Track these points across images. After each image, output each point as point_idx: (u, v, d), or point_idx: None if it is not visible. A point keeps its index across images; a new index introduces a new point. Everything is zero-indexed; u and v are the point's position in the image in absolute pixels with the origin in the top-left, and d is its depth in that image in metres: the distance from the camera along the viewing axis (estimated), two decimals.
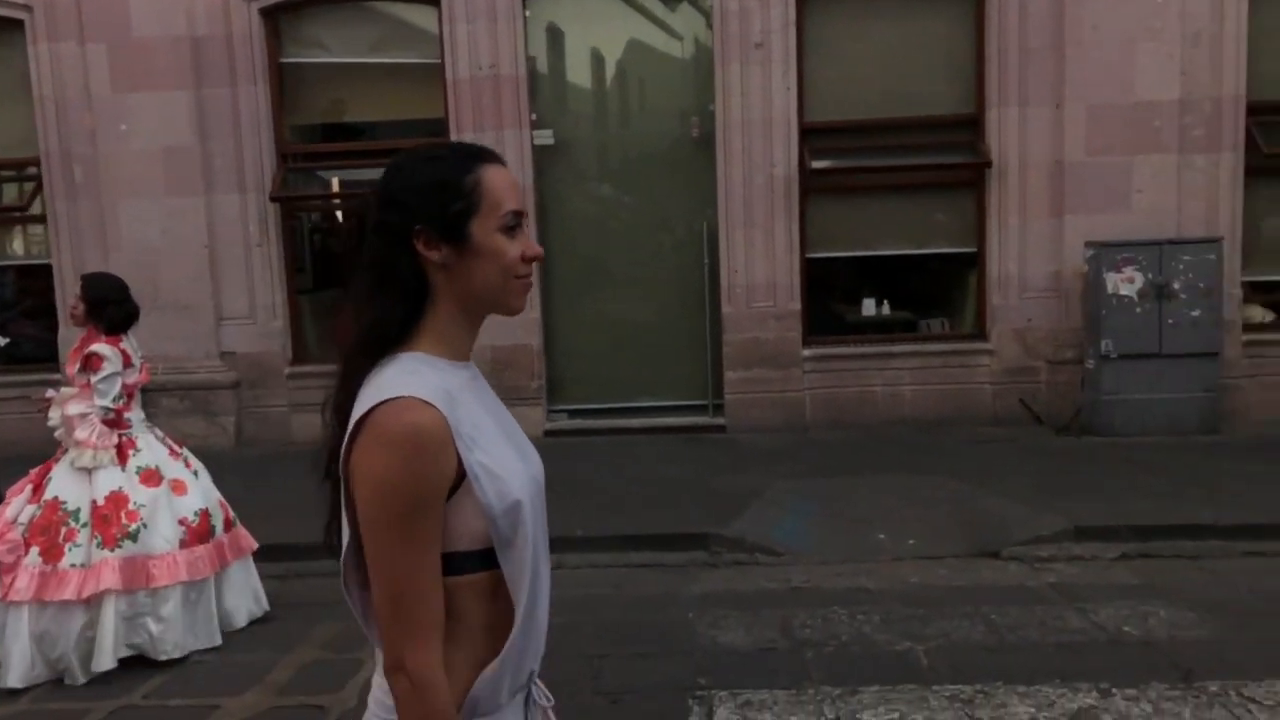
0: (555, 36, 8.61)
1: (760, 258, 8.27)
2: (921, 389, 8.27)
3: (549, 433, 8.25)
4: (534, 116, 8.37)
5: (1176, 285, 7.52)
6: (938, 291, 8.98)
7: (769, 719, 3.54)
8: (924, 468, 6.90)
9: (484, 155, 1.42)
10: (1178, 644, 4.08)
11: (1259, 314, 8.29)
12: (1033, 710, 3.50)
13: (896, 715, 3.50)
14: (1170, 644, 4.08)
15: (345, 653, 4.22)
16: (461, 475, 1.30)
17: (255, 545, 4.75)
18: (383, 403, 1.28)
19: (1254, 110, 7.93)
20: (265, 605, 4.74)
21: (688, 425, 8.33)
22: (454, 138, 8.25)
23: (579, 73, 8.79)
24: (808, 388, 8.29)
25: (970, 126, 8.28)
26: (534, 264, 1.44)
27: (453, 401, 1.32)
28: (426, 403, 1.28)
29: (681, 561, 5.35)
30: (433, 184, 1.38)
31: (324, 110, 9.09)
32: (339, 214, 9.31)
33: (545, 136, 8.41)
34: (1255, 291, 8.31)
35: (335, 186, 9.19)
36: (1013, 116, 8.06)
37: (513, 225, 1.40)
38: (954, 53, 8.29)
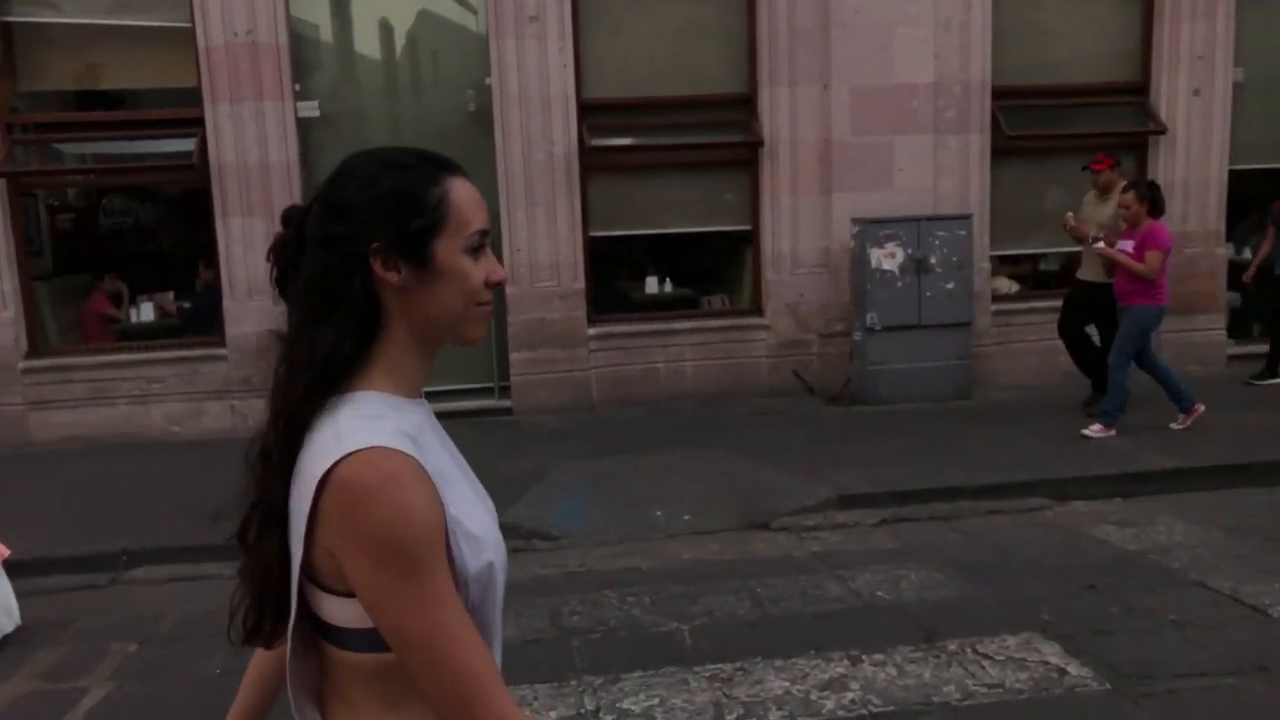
0: (321, 2, 8.12)
1: (543, 237, 8.16)
2: (703, 364, 8.43)
3: None
4: (298, 87, 7.88)
5: (933, 260, 7.97)
6: (717, 268, 9.17)
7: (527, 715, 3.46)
8: (704, 442, 7.02)
9: (451, 166, 1.25)
10: (925, 605, 4.30)
11: (1005, 285, 8.93)
12: (787, 684, 3.59)
13: (656, 700, 3.50)
14: (918, 606, 4.30)
15: (65, 682, 3.82)
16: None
17: (6, 552, 4.33)
18: (350, 454, 1.10)
19: (999, 94, 8.48)
20: (18, 619, 4.31)
21: (473, 409, 8.14)
22: (208, 108, 7.67)
23: (348, 41, 8.35)
24: (594, 367, 8.27)
25: (744, 106, 8.46)
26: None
27: (418, 447, 1.15)
28: (394, 450, 1.11)
29: None
30: (394, 195, 1.19)
31: (59, 77, 8.23)
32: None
33: (310, 109, 7.95)
34: (1002, 264, 8.94)
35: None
36: (783, 96, 8.28)
37: (478, 246, 1.23)
38: (728, 32, 8.42)
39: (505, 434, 7.52)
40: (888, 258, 7.97)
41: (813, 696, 3.50)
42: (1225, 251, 8.78)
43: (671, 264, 8.95)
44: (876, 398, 7.99)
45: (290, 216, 1.25)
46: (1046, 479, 5.93)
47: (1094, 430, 6.72)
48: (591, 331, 8.26)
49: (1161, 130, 8.57)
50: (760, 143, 8.31)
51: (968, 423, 7.29)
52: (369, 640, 1.15)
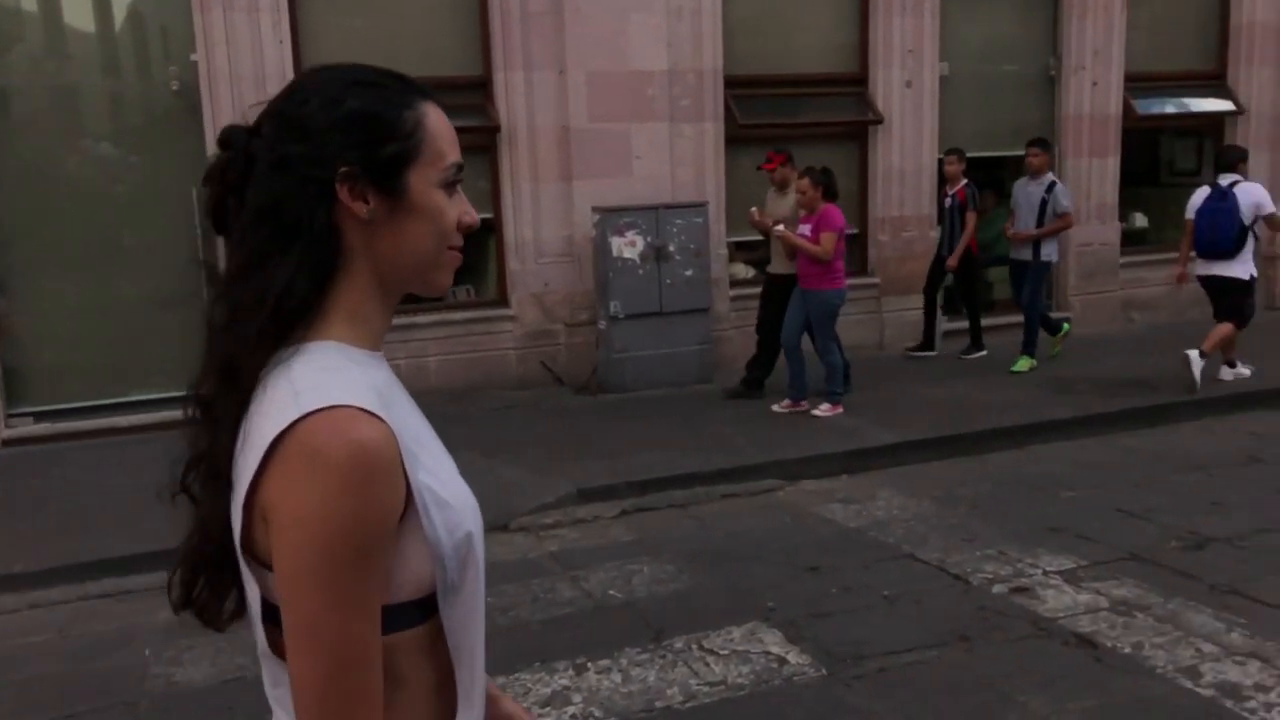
0: None
1: None
2: (447, 359, 8.10)
3: (7, 441, 6.91)
4: None
5: (672, 248, 8.03)
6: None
7: None
8: (447, 440, 6.66)
9: (422, 89, 1.08)
10: (655, 601, 4.25)
11: (742, 270, 9.16)
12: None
13: None
14: (649, 603, 4.23)
15: None
16: (405, 506, 0.97)
17: None
18: (311, 414, 0.93)
19: (731, 84, 8.65)
20: None
21: (176, 420, 7.40)
22: None
23: (34, 7, 7.33)
24: None
25: (480, 89, 8.16)
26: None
27: (386, 406, 0.98)
28: (369, 413, 0.95)
29: (150, 585, 4.63)
30: (363, 116, 1.03)
31: None
32: None
33: None
34: (739, 250, 9.16)
35: None
36: (519, 80, 8.07)
37: (453, 181, 1.08)
38: (460, 11, 8.10)
39: None
40: (628, 246, 7.95)
41: (533, 714, 3.33)
42: (937, 234, 9.39)
43: None
44: (622, 386, 7.98)
45: (230, 138, 1.06)
46: (778, 460, 6.08)
47: (823, 410, 6.99)
48: None
49: (879, 120, 9.04)
50: (497, 128, 8.06)
51: (708, 407, 7.40)
52: None
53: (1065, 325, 8.75)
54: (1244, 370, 7.66)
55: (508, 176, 8.18)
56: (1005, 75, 9.77)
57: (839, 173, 9.21)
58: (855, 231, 9.37)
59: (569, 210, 8.24)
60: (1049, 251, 8.22)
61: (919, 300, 9.09)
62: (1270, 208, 7.41)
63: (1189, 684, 3.33)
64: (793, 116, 9.13)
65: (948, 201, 8.55)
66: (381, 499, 0.94)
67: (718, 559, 4.73)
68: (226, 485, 1.02)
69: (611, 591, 4.36)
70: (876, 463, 6.20)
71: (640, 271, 7.97)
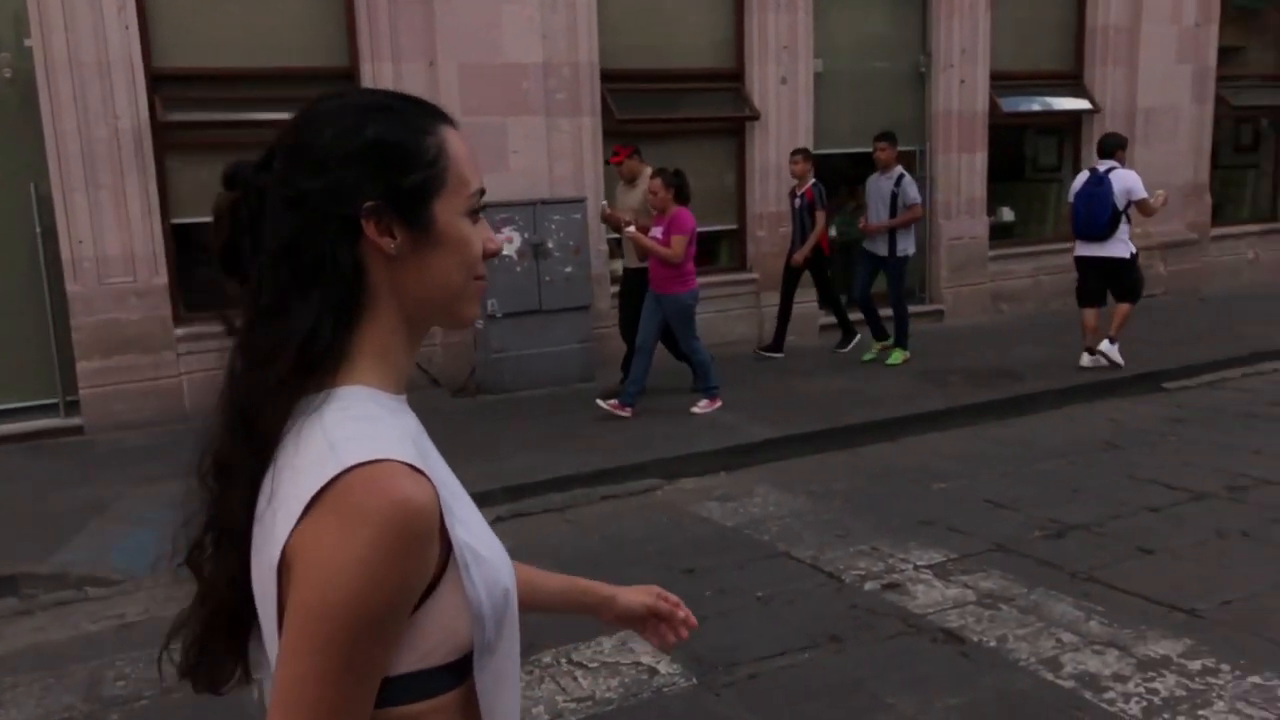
0: None
1: (111, 225, 7.07)
2: None
3: None
4: None
5: (550, 244, 7.87)
6: None
7: None
8: None
9: (440, 112, 1.03)
10: (527, 614, 4.09)
11: (619, 267, 9.05)
12: None
13: None
14: (520, 615, 4.08)
15: None
16: (445, 565, 0.92)
17: None
18: (351, 469, 0.86)
19: (608, 78, 8.54)
20: None
21: (31, 431, 6.93)
22: None
23: None
24: (184, 373, 7.34)
25: (345, 80, 7.82)
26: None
27: (423, 457, 0.93)
28: (412, 468, 0.89)
29: None
30: (382, 145, 0.97)
31: None
32: None
33: None
34: (619, 246, 9.04)
35: None
36: (387, 72, 7.78)
37: (477, 209, 1.04)
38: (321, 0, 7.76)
39: (70, 458, 6.44)
40: (506, 243, 7.76)
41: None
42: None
43: None
44: (502, 386, 7.79)
45: (236, 174, 1.00)
46: (657, 459, 6.01)
47: (701, 406, 6.95)
48: (179, 332, 7.30)
49: (755, 116, 9.07)
50: None
51: (589, 407, 7.27)
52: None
53: (894, 346, 8.47)
54: (1118, 357, 7.97)
55: None
56: (878, 72, 9.94)
57: (718, 169, 9.30)
58: (734, 227, 9.42)
59: None
60: (905, 245, 8.31)
61: (799, 293, 9.15)
62: (1141, 193, 7.73)
63: (1050, 676, 3.37)
64: (671, 111, 9.08)
65: (796, 202, 8.52)
66: (415, 566, 0.88)
67: (593, 564, 4.61)
68: (236, 543, 0.96)
69: None
70: (754, 458, 6.19)
71: (518, 269, 7.79)
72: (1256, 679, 3.26)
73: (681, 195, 6.90)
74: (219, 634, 1.00)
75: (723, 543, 4.83)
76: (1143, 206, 7.81)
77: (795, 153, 8.56)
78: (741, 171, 9.28)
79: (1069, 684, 3.31)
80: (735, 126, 9.20)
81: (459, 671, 0.95)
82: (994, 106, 10.16)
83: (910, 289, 10.25)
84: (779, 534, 4.89)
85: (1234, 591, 3.98)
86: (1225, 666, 3.35)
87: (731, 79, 9.19)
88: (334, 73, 7.78)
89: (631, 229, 7.01)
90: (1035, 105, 10.64)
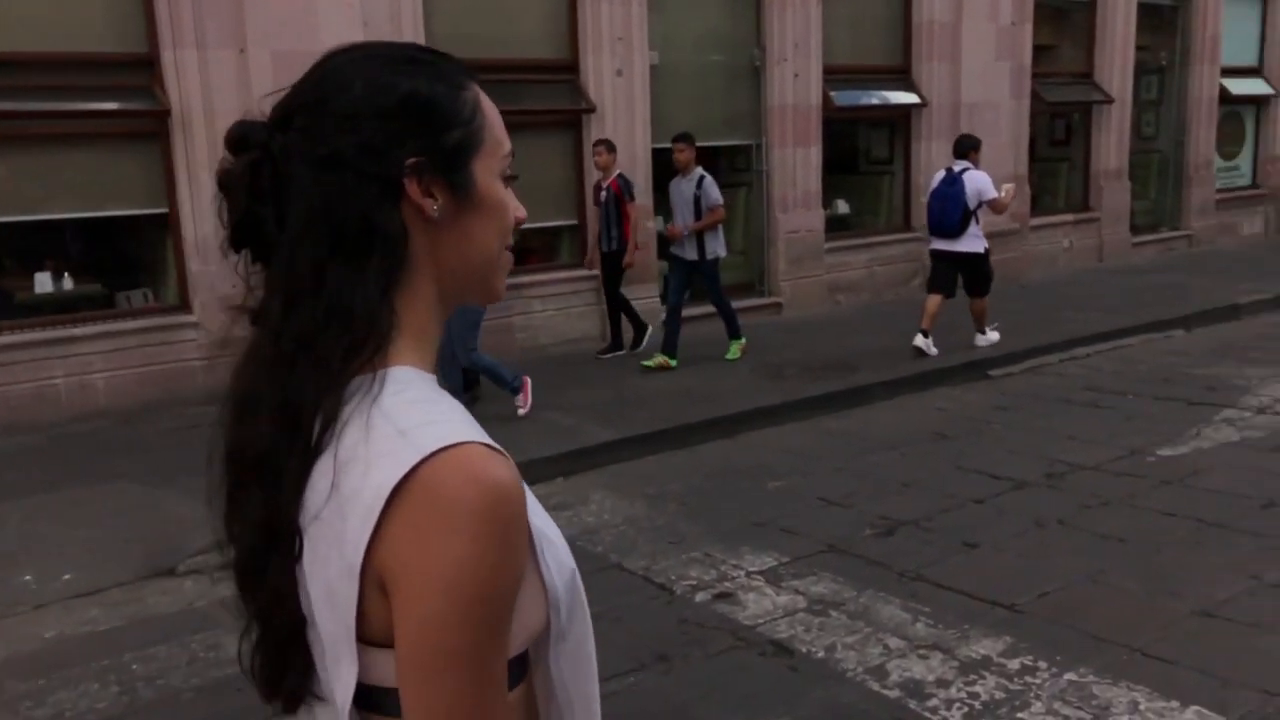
0: None
1: None
2: (118, 375, 7.15)
3: None
4: None
5: None
6: (133, 260, 7.86)
7: None
8: (109, 473, 5.86)
9: (467, 68, 0.93)
10: None
11: None
12: None
13: None
14: None
15: None
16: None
17: None
18: (432, 455, 0.78)
19: None
20: None
21: None
22: None
23: None
24: None
25: (145, 69, 7.24)
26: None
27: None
28: (492, 448, 0.82)
29: None
30: (421, 100, 0.88)
31: None
32: None
33: None
34: None
35: None
36: (191, 60, 7.22)
37: (510, 174, 0.95)
38: None
39: None
40: None
41: None
42: (655, 225, 9.38)
43: (71, 257, 7.48)
44: None
45: (246, 135, 0.89)
46: None
47: (521, 403, 6.72)
48: None
49: (591, 109, 8.89)
50: (167, 112, 7.17)
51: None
52: None
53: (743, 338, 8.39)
54: (994, 335, 8.38)
55: (183, 166, 7.31)
56: (714, 65, 9.92)
57: (555, 163, 9.07)
58: (574, 223, 9.22)
59: None
60: (714, 247, 8.04)
61: (642, 290, 9.05)
62: (992, 194, 8.07)
63: (876, 686, 3.32)
64: (504, 104, 8.68)
65: (602, 195, 8.32)
66: (522, 548, 0.83)
67: None
68: (289, 549, 0.85)
69: None
70: (593, 462, 6.02)
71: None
72: (1072, 675, 3.30)
73: None
74: (292, 647, 0.88)
75: None
76: (994, 205, 8.14)
77: (598, 144, 8.32)
78: (579, 166, 9.08)
79: (894, 693, 3.27)
80: (571, 119, 8.99)
81: (523, 666, 0.90)
82: (827, 100, 10.30)
83: (750, 283, 10.35)
84: (612, 544, 4.73)
85: (1051, 583, 4.06)
86: (1043, 664, 3.38)
87: (566, 70, 8.98)
88: (130, 60, 7.20)
89: None
90: (867, 99, 10.87)
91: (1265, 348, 8.31)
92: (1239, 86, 14.26)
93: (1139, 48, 12.99)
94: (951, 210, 8.04)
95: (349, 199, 0.86)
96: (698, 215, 7.96)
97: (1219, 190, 14.40)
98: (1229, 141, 14.65)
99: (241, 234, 0.90)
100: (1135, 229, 13.31)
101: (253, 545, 0.88)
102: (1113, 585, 4.03)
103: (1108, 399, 7.02)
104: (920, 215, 11.07)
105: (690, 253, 8.06)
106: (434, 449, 0.79)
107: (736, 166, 10.56)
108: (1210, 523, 4.61)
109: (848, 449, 6.18)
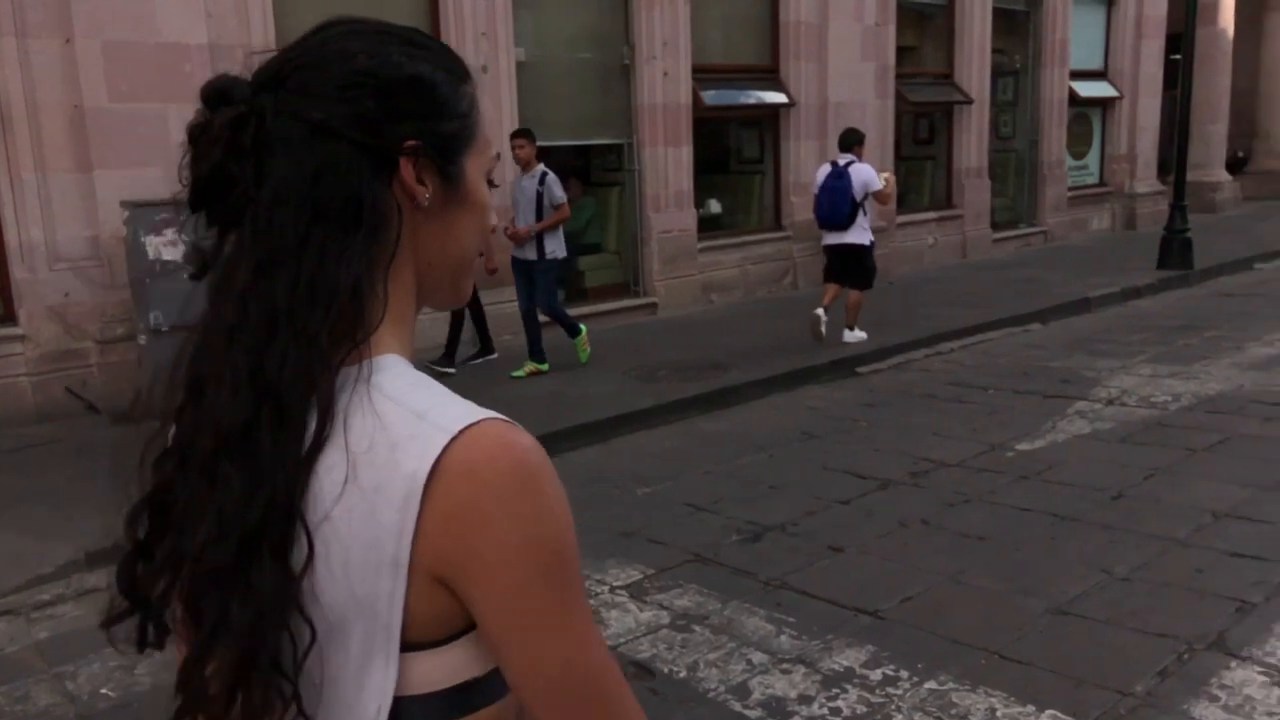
0: None
1: None
2: None
3: None
4: None
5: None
6: None
7: None
8: None
9: (462, 60, 0.92)
10: (164, 693, 3.48)
11: None
12: None
13: None
14: (153, 698, 3.46)
15: None
16: None
17: None
18: (461, 434, 0.77)
19: None
20: None
21: None
22: None
23: None
24: None
25: None
26: None
27: None
28: (510, 421, 0.81)
29: None
30: (425, 84, 0.86)
31: None
32: None
33: None
34: None
35: None
36: (10, 49, 6.66)
37: (490, 180, 0.94)
38: None
39: None
40: (169, 246, 6.85)
41: None
42: (502, 225, 9.11)
43: None
44: None
45: (229, 90, 0.84)
46: None
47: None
48: None
49: None
50: None
51: None
52: (450, 704, 0.82)
53: (583, 327, 8.15)
54: (861, 334, 8.47)
55: (2, 165, 6.73)
56: (582, 63, 9.76)
57: None
58: None
59: (91, 205, 6.96)
60: (554, 248, 7.73)
61: (512, 293, 8.81)
62: (877, 185, 8.23)
63: (738, 705, 3.22)
64: None
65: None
66: (566, 499, 0.81)
67: None
68: (279, 551, 0.77)
69: (105, 690, 3.53)
70: None
71: (186, 275, 6.89)
72: (932, 684, 3.27)
73: None
74: (257, 669, 0.78)
75: None
76: (879, 196, 8.34)
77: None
78: None
79: (755, 713, 3.17)
80: None
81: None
82: (697, 99, 10.27)
83: (625, 283, 10.24)
84: None
85: (914, 586, 4.05)
86: (904, 673, 3.35)
87: None
88: None
89: None
90: (736, 98, 10.89)
91: (1113, 340, 8.66)
92: (1086, 89, 14.95)
93: (995, 50, 13.45)
94: (840, 203, 8.19)
95: (341, 168, 0.83)
96: (539, 215, 7.65)
97: (1070, 188, 15.06)
98: (1078, 141, 15.34)
99: (205, 193, 0.84)
100: (995, 225, 13.77)
101: (226, 542, 0.77)
102: (973, 586, 4.05)
103: (970, 394, 7.17)
104: (791, 214, 11.21)
105: (530, 253, 7.73)
106: (459, 429, 0.78)
107: (608, 166, 10.45)
108: (1065, 517, 4.70)
109: (719, 451, 6.12)
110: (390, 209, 0.84)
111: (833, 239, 8.39)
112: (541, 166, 7.76)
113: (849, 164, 8.29)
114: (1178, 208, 11.82)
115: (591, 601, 4.05)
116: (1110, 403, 6.68)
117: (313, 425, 0.78)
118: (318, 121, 0.83)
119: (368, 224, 0.83)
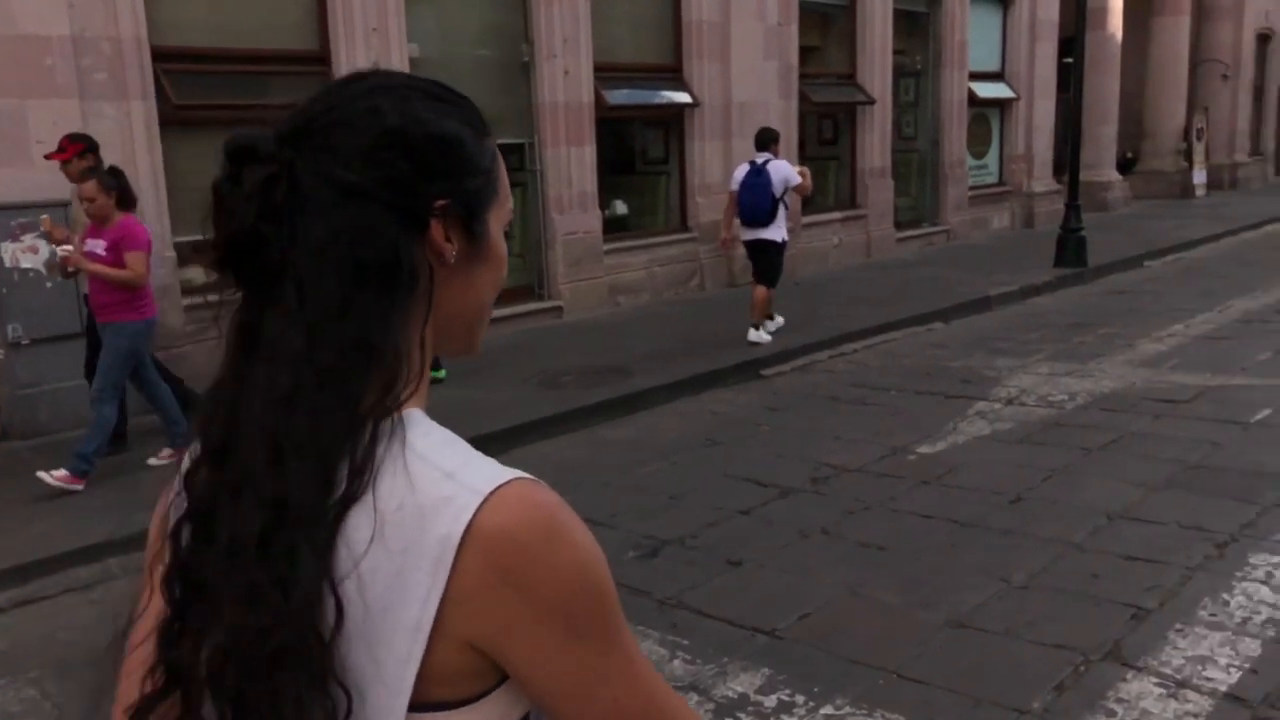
0: None
1: None
2: None
3: None
4: None
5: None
6: None
7: None
8: None
9: (484, 118, 0.92)
10: None
11: (201, 275, 7.92)
12: None
13: None
14: None
15: None
16: None
17: None
18: (492, 495, 0.77)
19: (162, 56, 7.35)
20: None
21: None
22: None
23: None
24: None
25: None
26: None
27: None
28: (535, 480, 0.81)
29: None
30: (451, 141, 0.87)
31: None
32: None
33: None
34: (196, 251, 7.89)
35: None
36: None
37: (507, 231, 0.94)
38: None
39: None
40: (28, 253, 6.41)
41: None
42: None
43: None
44: (38, 428, 6.45)
45: (258, 147, 0.82)
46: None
47: (57, 477, 5.31)
48: None
49: None
50: None
51: (154, 442, 6.17)
52: None
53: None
54: (765, 335, 8.46)
55: None
56: (479, 60, 9.50)
57: None
58: None
59: None
60: None
61: None
62: (796, 180, 8.38)
63: None
64: (246, 97, 7.99)
65: None
66: (598, 546, 0.83)
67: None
68: (313, 610, 0.76)
69: None
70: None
71: (48, 284, 6.45)
72: (829, 709, 3.14)
73: (126, 199, 5.61)
74: None
75: None
76: (799, 190, 8.51)
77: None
78: None
79: None
80: None
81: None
82: (599, 98, 10.08)
83: (529, 286, 10.01)
84: None
85: (812, 601, 3.94)
86: (800, 698, 3.21)
87: (317, 62, 8.30)
88: None
89: (68, 248, 5.53)
90: (639, 98, 10.74)
91: (1013, 338, 8.76)
92: (985, 90, 15.23)
93: (897, 52, 13.58)
94: (761, 200, 8.31)
95: (376, 229, 0.82)
96: None
97: (971, 187, 15.33)
98: (978, 141, 15.62)
99: (235, 253, 0.82)
100: (899, 225, 13.91)
101: (275, 629, 0.75)
102: (872, 599, 3.96)
103: (873, 395, 7.14)
104: (697, 215, 11.12)
105: None
106: (489, 490, 0.78)
107: (510, 166, 9.89)
108: (964, 523, 4.65)
109: (620, 461, 5.95)
110: (422, 267, 0.84)
111: (751, 235, 8.48)
112: None
113: (766, 161, 8.42)
114: (1072, 207, 12.09)
115: None
116: (1009, 402, 6.71)
117: (343, 485, 0.78)
118: (350, 182, 0.82)
119: (406, 285, 0.83)
